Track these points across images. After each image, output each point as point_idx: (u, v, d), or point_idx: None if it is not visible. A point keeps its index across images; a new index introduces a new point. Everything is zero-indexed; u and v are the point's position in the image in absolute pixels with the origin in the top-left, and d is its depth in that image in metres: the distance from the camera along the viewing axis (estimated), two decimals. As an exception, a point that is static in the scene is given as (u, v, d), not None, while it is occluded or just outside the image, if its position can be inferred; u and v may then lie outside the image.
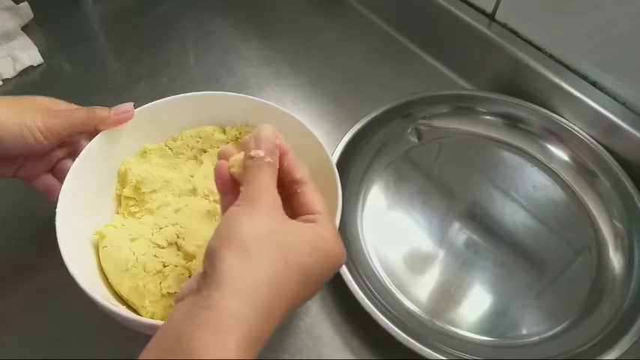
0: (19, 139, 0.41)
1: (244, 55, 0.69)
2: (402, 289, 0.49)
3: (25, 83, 0.64)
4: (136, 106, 0.47)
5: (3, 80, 0.63)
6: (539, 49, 0.63)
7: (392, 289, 0.49)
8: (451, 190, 0.58)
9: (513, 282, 0.50)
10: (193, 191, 0.48)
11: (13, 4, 0.68)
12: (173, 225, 0.45)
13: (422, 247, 0.52)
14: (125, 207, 0.47)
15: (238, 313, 0.27)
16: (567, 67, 0.61)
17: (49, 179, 0.46)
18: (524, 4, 0.63)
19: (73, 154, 0.46)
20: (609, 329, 0.47)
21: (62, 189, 0.42)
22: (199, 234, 0.45)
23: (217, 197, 0.41)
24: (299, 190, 0.34)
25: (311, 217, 0.33)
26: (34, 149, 0.43)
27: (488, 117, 0.62)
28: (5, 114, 0.41)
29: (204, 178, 0.49)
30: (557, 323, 0.48)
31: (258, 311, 0.27)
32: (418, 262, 0.51)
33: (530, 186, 0.58)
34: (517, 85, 0.64)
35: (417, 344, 0.43)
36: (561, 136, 0.60)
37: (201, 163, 0.50)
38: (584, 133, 0.59)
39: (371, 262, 0.50)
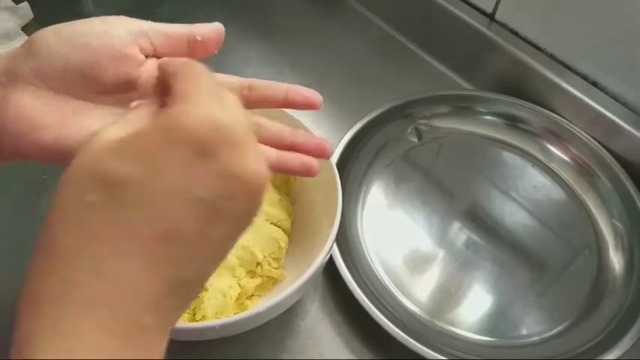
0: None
1: (244, 56, 0.69)
2: (402, 289, 0.49)
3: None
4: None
5: (3, 80, 0.63)
6: (539, 49, 0.63)
7: (392, 289, 0.49)
8: (451, 190, 0.57)
9: (513, 282, 0.50)
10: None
11: (13, 4, 0.68)
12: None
13: (422, 247, 0.52)
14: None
15: None
16: (567, 67, 0.61)
17: None
18: (524, 4, 0.63)
19: None
20: (609, 329, 0.47)
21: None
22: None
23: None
24: None
25: None
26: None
27: (488, 117, 0.62)
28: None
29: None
30: (557, 323, 0.48)
31: None
32: (418, 262, 0.51)
33: (531, 186, 0.58)
34: (517, 85, 0.64)
35: (418, 344, 0.43)
36: (562, 136, 0.60)
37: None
38: (584, 133, 0.59)
39: (371, 262, 0.50)
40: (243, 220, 0.23)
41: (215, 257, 0.23)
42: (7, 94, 0.29)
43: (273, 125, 0.34)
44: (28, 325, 0.21)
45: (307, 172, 0.34)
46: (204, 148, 0.21)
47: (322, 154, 0.34)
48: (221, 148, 0.21)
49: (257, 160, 0.22)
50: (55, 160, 0.28)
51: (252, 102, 0.34)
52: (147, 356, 0.21)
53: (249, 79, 0.34)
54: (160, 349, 0.22)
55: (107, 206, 0.21)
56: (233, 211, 0.22)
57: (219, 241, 0.23)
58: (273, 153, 0.33)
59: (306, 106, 0.35)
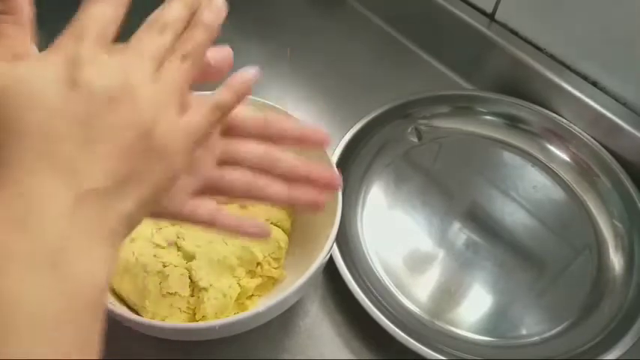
0: None
1: (244, 55, 0.69)
2: (402, 289, 0.49)
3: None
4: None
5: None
6: (539, 49, 0.63)
7: (392, 289, 0.49)
8: (451, 190, 0.58)
9: (513, 282, 0.50)
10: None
11: (13, 4, 0.68)
12: (173, 225, 0.45)
13: (422, 247, 0.52)
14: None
15: None
16: (567, 67, 0.61)
17: None
18: (524, 4, 0.63)
19: None
20: (609, 329, 0.47)
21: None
22: (199, 234, 0.45)
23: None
24: None
25: None
26: None
27: (488, 117, 0.62)
28: None
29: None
30: (557, 323, 0.48)
31: None
32: (418, 263, 0.51)
33: (531, 186, 0.58)
34: (517, 85, 0.64)
35: (417, 344, 0.43)
36: (562, 136, 0.60)
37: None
38: (584, 133, 0.59)
39: (371, 262, 0.50)
40: (123, 128, 0.25)
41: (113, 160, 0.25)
42: None
43: (288, 158, 0.34)
44: None
45: (314, 208, 0.35)
46: (67, 80, 0.25)
47: (333, 189, 0.36)
48: (74, 70, 0.25)
49: (93, 67, 0.26)
50: None
51: (268, 138, 0.35)
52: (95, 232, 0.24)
53: (264, 115, 0.36)
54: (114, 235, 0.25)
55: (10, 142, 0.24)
56: (110, 123, 0.25)
57: (109, 152, 0.25)
58: (284, 190, 0.34)
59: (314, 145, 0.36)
